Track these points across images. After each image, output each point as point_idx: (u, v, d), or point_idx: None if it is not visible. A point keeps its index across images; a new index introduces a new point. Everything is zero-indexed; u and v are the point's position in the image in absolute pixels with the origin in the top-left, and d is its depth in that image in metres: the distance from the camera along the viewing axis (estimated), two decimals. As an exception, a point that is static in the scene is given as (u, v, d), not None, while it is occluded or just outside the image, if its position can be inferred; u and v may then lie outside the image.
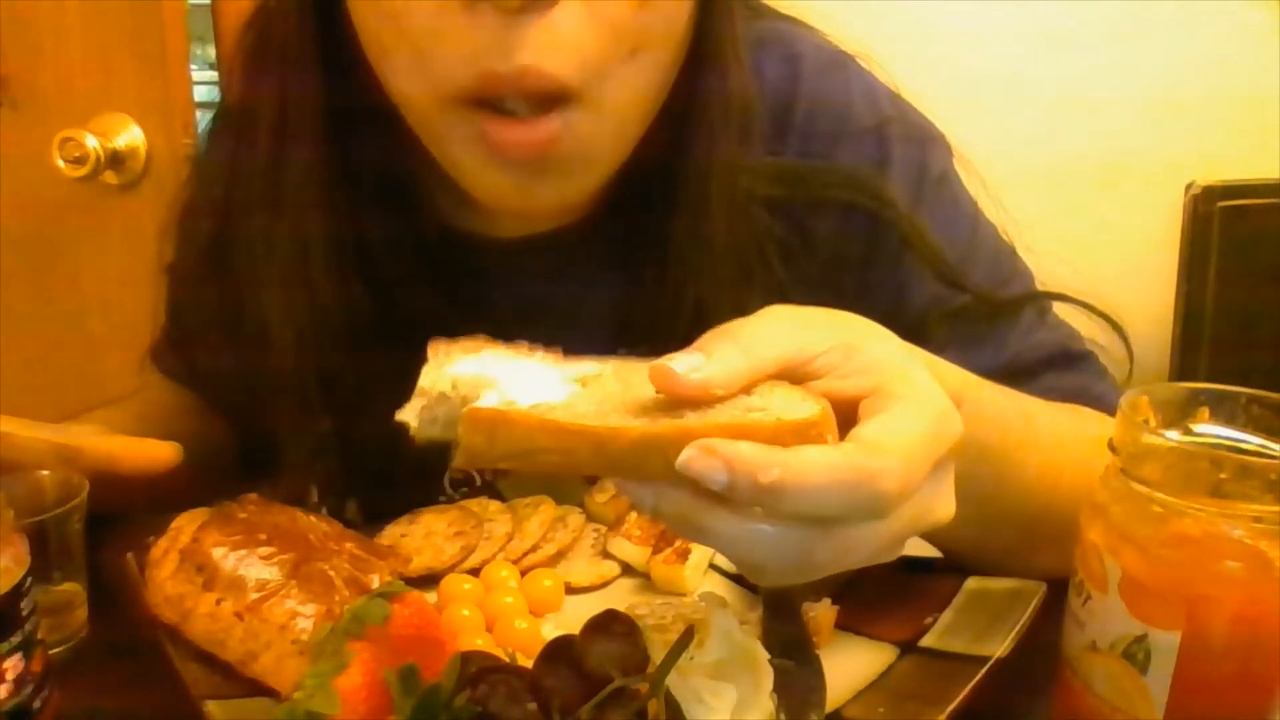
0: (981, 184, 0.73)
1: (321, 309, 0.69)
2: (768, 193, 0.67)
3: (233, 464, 0.87)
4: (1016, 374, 0.60)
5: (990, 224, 0.73)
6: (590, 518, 0.70)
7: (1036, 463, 0.56)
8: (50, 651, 0.56)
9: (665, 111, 0.63)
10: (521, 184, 0.59)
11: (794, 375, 0.41)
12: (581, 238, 0.71)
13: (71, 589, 0.62)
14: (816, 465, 0.35)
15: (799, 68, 0.70)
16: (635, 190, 0.67)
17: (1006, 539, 0.59)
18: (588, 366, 0.44)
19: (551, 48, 0.53)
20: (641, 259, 0.68)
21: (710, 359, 0.39)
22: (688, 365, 0.38)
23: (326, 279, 0.68)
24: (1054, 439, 0.58)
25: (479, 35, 0.53)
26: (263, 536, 0.57)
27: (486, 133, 0.56)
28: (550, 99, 0.55)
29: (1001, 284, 0.71)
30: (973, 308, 0.69)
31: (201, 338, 0.80)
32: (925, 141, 0.72)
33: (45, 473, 0.63)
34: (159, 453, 0.66)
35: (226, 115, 0.76)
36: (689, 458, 0.35)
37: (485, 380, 0.41)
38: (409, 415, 0.42)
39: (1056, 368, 0.70)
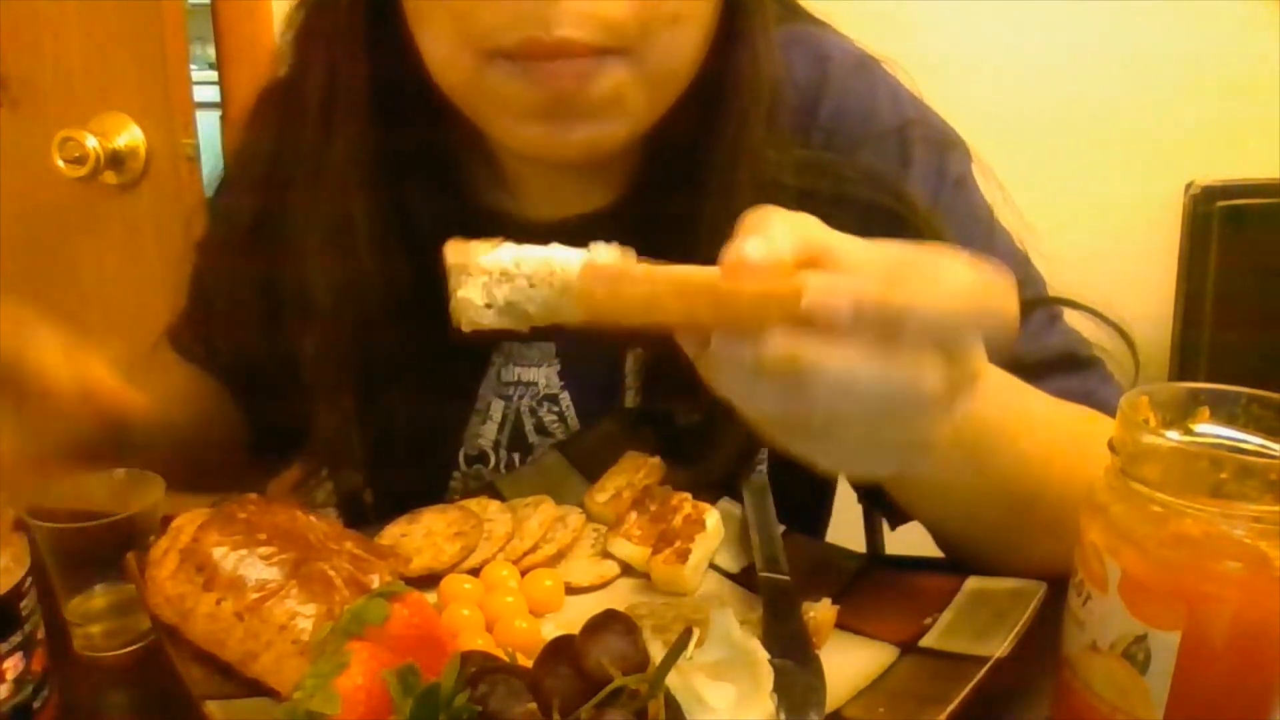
0: (999, 189, 0.74)
1: (363, 280, 0.71)
2: (792, 182, 0.68)
3: (243, 447, 0.87)
4: (1021, 374, 0.61)
5: (1005, 229, 0.73)
6: (590, 518, 0.70)
7: (1030, 443, 0.56)
8: (116, 653, 0.59)
9: (695, 91, 0.64)
10: (553, 130, 0.61)
11: None
12: (609, 221, 0.71)
13: (133, 589, 0.62)
14: (943, 281, 0.39)
15: (827, 68, 0.72)
16: (663, 173, 0.69)
17: (996, 519, 0.60)
18: (603, 252, 0.43)
19: (592, 18, 0.56)
20: (669, 242, 0.69)
21: (768, 239, 0.40)
22: (760, 251, 0.40)
23: (369, 251, 0.70)
24: (1049, 422, 0.58)
25: (521, 2, 0.56)
26: (263, 536, 0.57)
27: (526, 69, 0.58)
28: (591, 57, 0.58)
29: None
30: None
31: (231, 314, 0.81)
32: (946, 145, 0.73)
33: (123, 471, 0.64)
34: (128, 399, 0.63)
35: (270, 94, 0.78)
36: (812, 301, 0.38)
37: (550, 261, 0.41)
38: (472, 292, 0.41)
39: (1062, 370, 0.70)
